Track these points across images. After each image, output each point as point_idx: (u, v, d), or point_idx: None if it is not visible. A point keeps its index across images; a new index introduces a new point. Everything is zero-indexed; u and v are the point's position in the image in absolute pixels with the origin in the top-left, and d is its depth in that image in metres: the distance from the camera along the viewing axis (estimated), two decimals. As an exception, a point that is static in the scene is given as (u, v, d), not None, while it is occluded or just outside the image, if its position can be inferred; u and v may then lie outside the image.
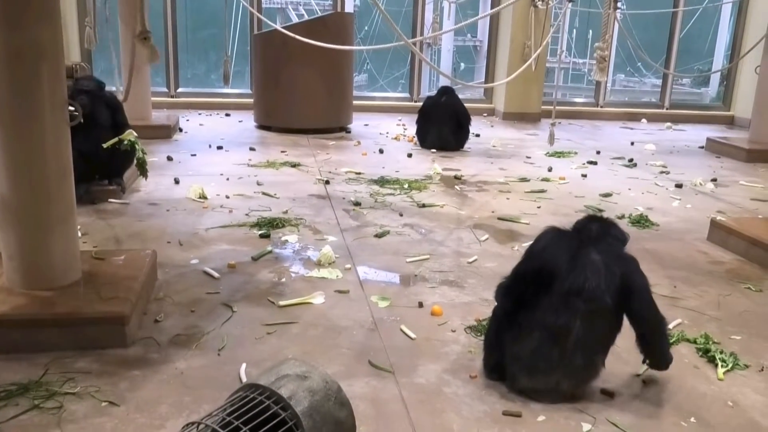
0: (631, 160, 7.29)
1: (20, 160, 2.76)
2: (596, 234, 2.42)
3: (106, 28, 7.38)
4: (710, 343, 2.92)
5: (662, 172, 6.80)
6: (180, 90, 10.14)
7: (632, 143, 8.58)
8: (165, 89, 9.98)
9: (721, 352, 2.83)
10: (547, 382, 2.39)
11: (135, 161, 4.78)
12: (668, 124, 10.61)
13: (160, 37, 9.64)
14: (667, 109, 11.38)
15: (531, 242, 2.56)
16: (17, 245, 2.82)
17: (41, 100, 2.75)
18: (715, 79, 14.47)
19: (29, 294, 2.80)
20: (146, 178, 5.04)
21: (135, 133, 4.75)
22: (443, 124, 7.47)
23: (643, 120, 10.99)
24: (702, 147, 8.52)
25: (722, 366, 2.74)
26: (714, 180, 6.47)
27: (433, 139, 7.50)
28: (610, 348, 2.42)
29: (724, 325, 3.19)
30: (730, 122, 11.22)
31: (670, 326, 3.10)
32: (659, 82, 12.31)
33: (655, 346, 2.47)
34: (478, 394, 2.47)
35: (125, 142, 4.65)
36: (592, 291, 2.29)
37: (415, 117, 7.88)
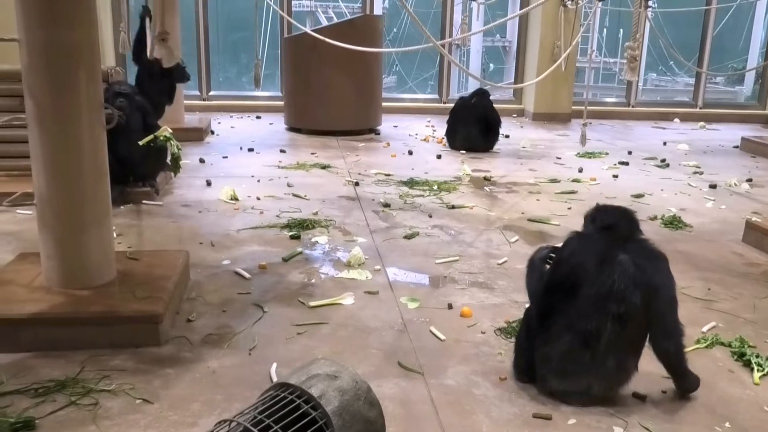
0: (663, 161, 7.18)
1: (58, 161, 2.83)
2: (625, 232, 2.39)
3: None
4: (745, 346, 2.87)
5: (696, 173, 6.69)
6: (212, 93, 10.27)
7: (665, 143, 8.46)
8: (197, 92, 10.11)
9: (757, 356, 2.78)
10: (578, 385, 2.37)
11: (170, 156, 4.83)
12: (701, 123, 10.43)
13: (192, 39, 9.77)
14: (700, 108, 11.18)
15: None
16: (55, 245, 2.90)
17: (78, 102, 2.82)
18: (750, 77, 14.18)
19: (66, 293, 2.87)
20: (176, 175, 5.05)
21: (170, 129, 4.81)
22: (472, 125, 7.44)
23: (676, 120, 10.82)
24: (737, 147, 8.37)
25: (758, 370, 2.69)
26: (749, 180, 6.35)
27: (462, 140, 7.48)
28: (642, 350, 2.39)
29: (760, 328, 3.13)
30: (766, 121, 10.98)
31: (704, 329, 3.06)
32: (692, 81, 12.10)
33: (670, 356, 2.39)
34: (507, 396, 2.46)
35: (160, 138, 4.72)
36: (622, 292, 2.27)
37: (444, 118, 7.89)
